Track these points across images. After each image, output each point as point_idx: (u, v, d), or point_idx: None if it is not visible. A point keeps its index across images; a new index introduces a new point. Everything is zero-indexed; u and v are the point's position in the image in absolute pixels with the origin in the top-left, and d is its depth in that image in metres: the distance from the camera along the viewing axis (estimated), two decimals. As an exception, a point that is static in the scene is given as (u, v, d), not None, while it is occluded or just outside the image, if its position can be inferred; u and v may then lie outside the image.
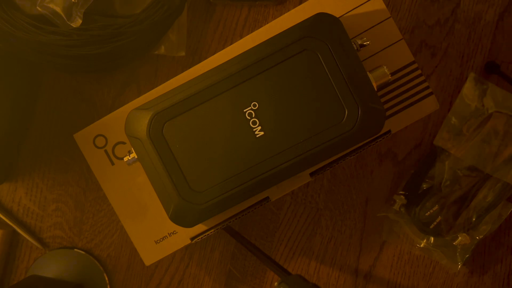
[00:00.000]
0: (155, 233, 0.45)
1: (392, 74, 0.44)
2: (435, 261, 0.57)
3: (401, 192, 0.56)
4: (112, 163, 0.46)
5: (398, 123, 0.45)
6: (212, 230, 0.45)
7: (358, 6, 0.44)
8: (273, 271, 0.50)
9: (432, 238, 0.55)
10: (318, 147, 0.39)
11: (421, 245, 0.56)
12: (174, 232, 0.45)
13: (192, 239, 0.45)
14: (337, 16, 0.42)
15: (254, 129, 0.39)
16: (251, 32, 0.46)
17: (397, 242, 0.57)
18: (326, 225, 0.57)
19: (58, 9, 0.47)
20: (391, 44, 0.45)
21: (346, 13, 0.44)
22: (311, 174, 0.45)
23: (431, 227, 0.55)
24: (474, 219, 0.55)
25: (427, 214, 0.55)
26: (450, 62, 0.56)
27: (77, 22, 0.47)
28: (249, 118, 0.39)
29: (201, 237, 0.46)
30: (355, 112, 0.39)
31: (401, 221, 0.56)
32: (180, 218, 0.40)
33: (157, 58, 0.56)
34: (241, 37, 0.56)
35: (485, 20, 0.56)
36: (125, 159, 0.41)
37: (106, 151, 0.46)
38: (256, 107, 0.39)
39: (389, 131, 0.45)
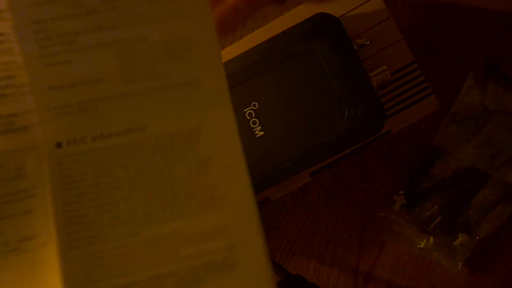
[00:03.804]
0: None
1: (392, 74, 0.44)
2: (435, 261, 0.57)
3: (401, 192, 0.56)
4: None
5: (398, 123, 0.45)
6: (212, 230, 0.45)
7: (358, 6, 0.44)
8: (273, 271, 0.50)
9: (432, 238, 0.55)
10: (318, 147, 0.39)
11: (421, 245, 0.56)
12: (174, 232, 0.45)
13: (192, 239, 0.45)
14: (337, 16, 0.42)
15: (254, 129, 0.39)
16: (251, 32, 0.46)
17: (397, 242, 0.57)
18: (326, 225, 0.57)
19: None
20: (391, 44, 0.45)
21: (346, 13, 0.44)
22: (311, 174, 0.45)
23: (431, 227, 0.55)
24: (474, 219, 0.55)
25: (427, 214, 0.55)
26: (450, 62, 0.56)
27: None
28: (249, 118, 0.39)
29: (201, 237, 0.46)
30: (355, 112, 0.39)
31: (401, 221, 0.56)
32: (180, 218, 0.40)
33: (157, 58, 0.56)
34: (241, 37, 0.56)
35: (485, 20, 0.56)
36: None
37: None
38: (256, 107, 0.39)
39: (389, 131, 0.45)
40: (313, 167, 0.44)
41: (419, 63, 0.52)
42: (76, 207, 0.19)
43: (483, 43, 0.56)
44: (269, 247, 0.57)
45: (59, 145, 0.19)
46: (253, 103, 0.39)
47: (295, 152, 0.39)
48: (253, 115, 0.39)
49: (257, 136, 0.39)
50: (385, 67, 0.41)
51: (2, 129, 0.18)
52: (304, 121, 0.39)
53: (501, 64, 0.56)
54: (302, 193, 0.57)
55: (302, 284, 0.41)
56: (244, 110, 0.39)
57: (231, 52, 0.45)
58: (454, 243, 0.55)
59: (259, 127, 0.39)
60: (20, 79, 0.18)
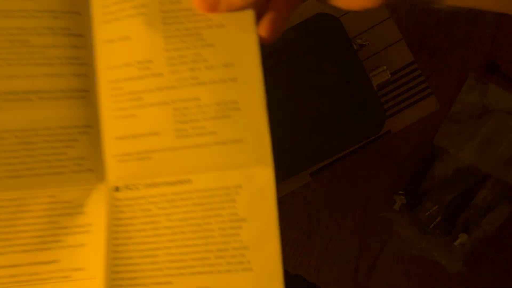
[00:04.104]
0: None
1: (392, 74, 0.44)
2: (435, 261, 0.57)
3: (401, 192, 0.56)
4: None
5: (398, 123, 0.45)
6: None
7: (358, 6, 0.44)
8: None
9: (432, 238, 0.55)
10: (318, 147, 0.39)
11: (421, 245, 0.56)
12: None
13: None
14: (337, 16, 0.42)
15: (254, 129, 0.39)
16: (251, 32, 0.46)
17: (397, 242, 0.57)
18: (326, 225, 0.57)
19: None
20: (391, 44, 0.45)
21: (346, 13, 0.44)
22: (311, 174, 0.45)
23: (431, 227, 0.55)
24: (474, 219, 0.55)
25: (427, 214, 0.55)
26: (450, 62, 0.56)
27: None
28: (249, 118, 0.39)
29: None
30: (355, 112, 0.39)
31: (401, 221, 0.56)
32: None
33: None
34: (241, 37, 0.56)
35: (485, 20, 0.56)
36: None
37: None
38: (256, 107, 0.39)
39: (389, 131, 0.45)
40: (313, 167, 0.44)
41: (419, 63, 0.52)
42: (123, 249, 0.22)
43: (483, 43, 0.56)
44: (269, 247, 0.57)
45: (117, 188, 0.22)
46: (253, 103, 0.39)
47: (295, 152, 0.39)
48: (253, 115, 0.39)
49: (257, 136, 0.39)
50: (385, 67, 0.41)
51: (71, 170, 0.21)
52: (303, 121, 0.39)
53: (501, 64, 0.56)
54: (302, 193, 0.57)
55: (302, 284, 0.41)
56: (244, 110, 0.39)
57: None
58: (454, 243, 0.55)
59: (259, 127, 0.39)
60: (95, 128, 0.22)
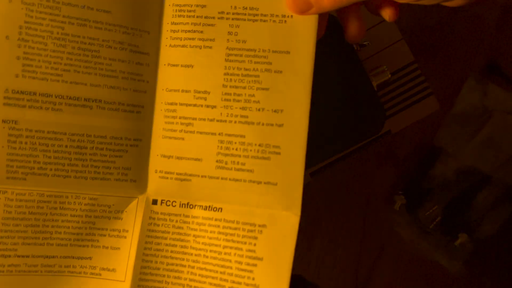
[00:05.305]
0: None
1: (392, 74, 0.44)
2: (435, 261, 0.57)
3: (401, 192, 0.56)
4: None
5: (398, 123, 0.45)
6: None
7: (358, 6, 0.44)
8: None
9: (432, 238, 0.55)
10: (318, 147, 0.39)
11: (421, 245, 0.56)
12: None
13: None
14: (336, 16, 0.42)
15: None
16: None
17: (397, 242, 0.57)
18: (326, 225, 0.57)
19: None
20: (391, 44, 0.45)
21: (346, 13, 0.44)
22: (311, 174, 0.45)
23: (431, 227, 0.55)
24: (474, 219, 0.55)
25: (427, 213, 0.55)
26: (450, 62, 0.56)
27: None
28: (249, 118, 0.39)
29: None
30: (355, 112, 0.39)
31: (401, 221, 0.56)
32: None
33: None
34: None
35: (485, 20, 0.56)
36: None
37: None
38: (256, 107, 0.39)
39: (389, 131, 0.45)
40: (313, 167, 0.44)
41: (419, 63, 0.52)
42: (152, 259, 0.23)
43: (483, 43, 0.56)
44: (269, 247, 0.57)
45: (155, 201, 0.24)
46: (253, 103, 0.39)
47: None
48: (253, 115, 0.39)
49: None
50: (385, 67, 0.41)
51: (116, 178, 0.23)
52: (304, 121, 0.39)
53: (501, 64, 0.56)
54: (302, 193, 0.57)
55: (302, 284, 0.41)
56: (244, 110, 0.39)
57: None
58: (454, 243, 0.55)
59: (259, 127, 0.39)
60: (144, 142, 0.23)
